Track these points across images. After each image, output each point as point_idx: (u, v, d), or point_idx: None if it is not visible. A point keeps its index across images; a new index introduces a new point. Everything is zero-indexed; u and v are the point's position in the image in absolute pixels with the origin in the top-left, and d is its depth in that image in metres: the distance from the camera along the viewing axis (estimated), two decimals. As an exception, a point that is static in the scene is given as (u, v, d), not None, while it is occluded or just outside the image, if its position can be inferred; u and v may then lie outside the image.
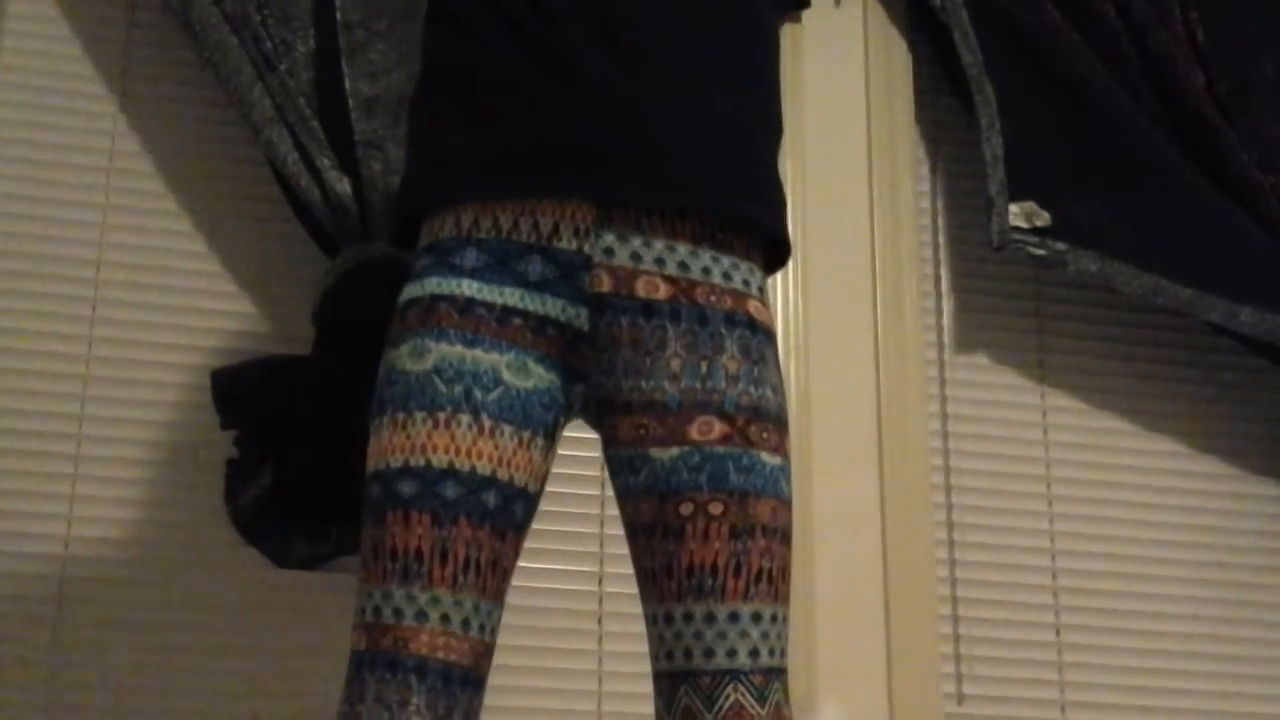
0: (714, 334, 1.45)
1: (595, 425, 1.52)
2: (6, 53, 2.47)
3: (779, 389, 1.48)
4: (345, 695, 1.38)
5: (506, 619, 2.38)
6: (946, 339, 2.65)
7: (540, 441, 1.44)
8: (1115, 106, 2.58)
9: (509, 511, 1.41)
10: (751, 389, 1.44)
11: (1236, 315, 2.49)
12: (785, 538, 1.43)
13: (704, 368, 1.44)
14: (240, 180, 2.49)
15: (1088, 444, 2.64)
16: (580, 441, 2.47)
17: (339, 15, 2.42)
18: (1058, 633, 2.54)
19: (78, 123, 2.46)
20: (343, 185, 2.34)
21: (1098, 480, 2.62)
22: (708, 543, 1.38)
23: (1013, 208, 2.47)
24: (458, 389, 1.39)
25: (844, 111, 2.69)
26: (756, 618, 1.38)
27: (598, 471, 2.46)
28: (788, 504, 1.44)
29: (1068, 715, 2.50)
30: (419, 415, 1.39)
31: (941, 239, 2.70)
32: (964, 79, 2.58)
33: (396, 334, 1.46)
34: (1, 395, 2.34)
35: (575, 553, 2.42)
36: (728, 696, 1.36)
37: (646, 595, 1.43)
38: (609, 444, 1.49)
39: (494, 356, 1.41)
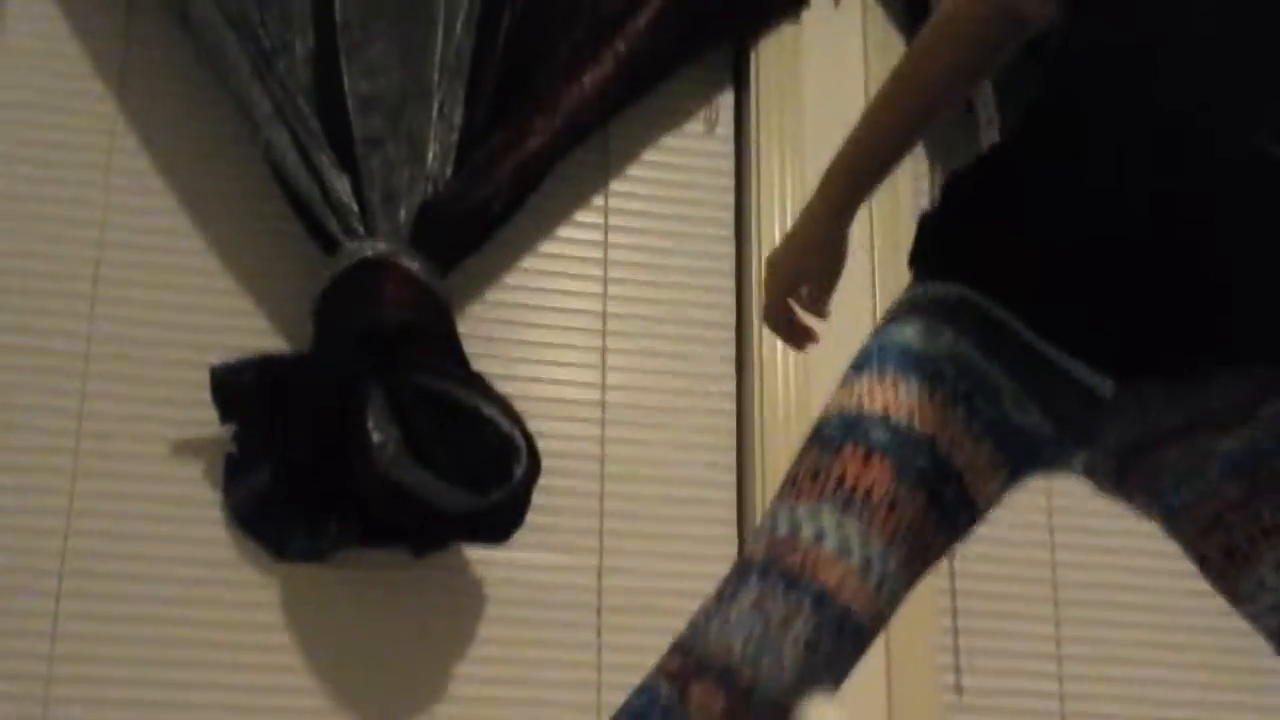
0: None
1: (1106, 472, 1.40)
2: (6, 51, 2.48)
3: None
4: (712, 600, 1.25)
5: (505, 614, 2.38)
6: (946, 337, 2.65)
7: (1005, 475, 1.33)
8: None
9: (956, 516, 1.30)
10: None
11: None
12: None
13: None
14: (239, 179, 2.49)
15: (1088, 442, 2.64)
16: (581, 438, 2.47)
17: (338, 15, 2.43)
18: (1056, 625, 2.54)
19: (77, 121, 2.47)
20: (342, 183, 2.35)
21: (1098, 477, 2.62)
22: None
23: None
24: (963, 384, 1.30)
25: (844, 111, 2.69)
26: None
27: (597, 467, 2.46)
28: None
29: (1066, 707, 2.49)
30: (917, 383, 1.30)
31: (941, 237, 2.70)
32: (962, 77, 2.59)
33: (908, 312, 1.36)
34: (0, 393, 2.34)
35: (575, 549, 2.42)
36: None
37: (1243, 564, 1.31)
38: (1138, 474, 1.36)
39: (1003, 380, 1.32)
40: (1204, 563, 1.35)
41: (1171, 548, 2.64)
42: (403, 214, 2.36)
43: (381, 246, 2.32)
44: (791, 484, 1.29)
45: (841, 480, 1.27)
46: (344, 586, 2.34)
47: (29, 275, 2.39)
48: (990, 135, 2.53)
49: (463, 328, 2.41)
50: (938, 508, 1.28)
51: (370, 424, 2.20)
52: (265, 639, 2.31)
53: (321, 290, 2.32)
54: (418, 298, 2.30)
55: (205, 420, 2.33)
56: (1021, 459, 1.33)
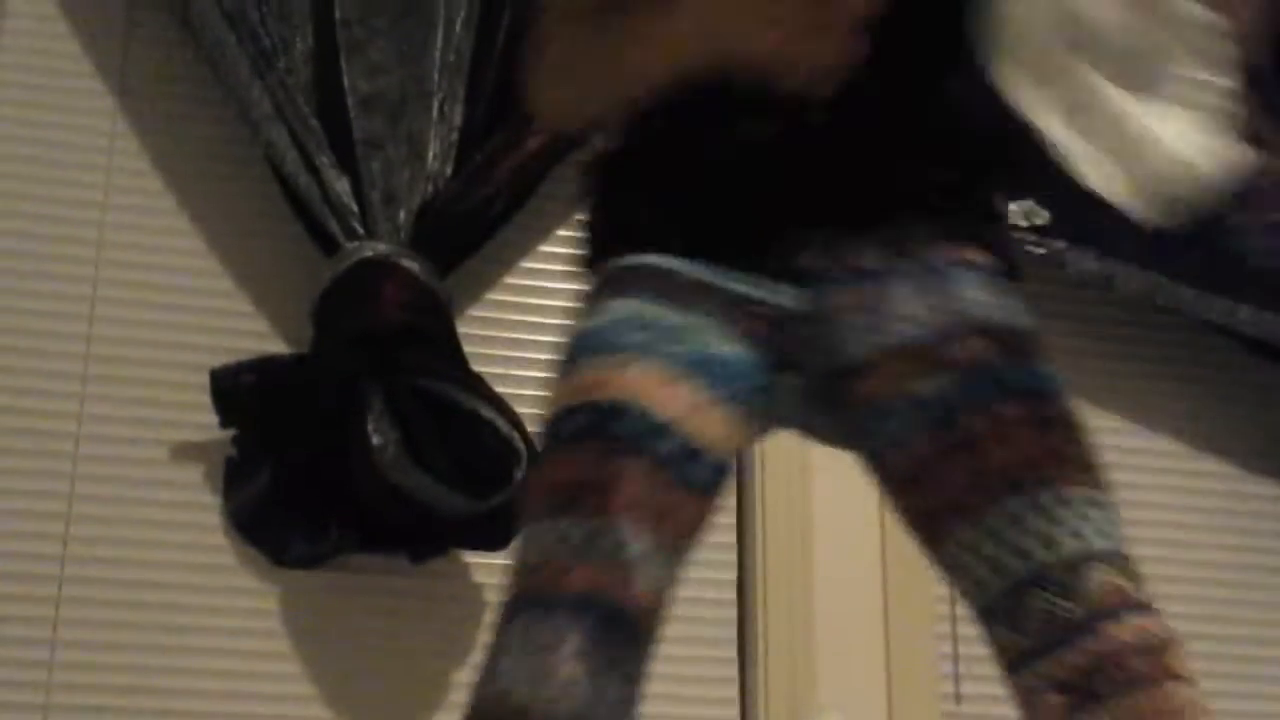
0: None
1: (818, 404, 1.37)
2: (6, 50, 2.47)
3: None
4: (485, 660, 1.20)
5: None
6: (946, 338, 2.64)
7: (727, 413, 1.29)
8: (1114, 104, 2.58)
9: (689, 470, 1.25)
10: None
11: (1236, 314, 2.48)
12: (1087, 431, 1.32)
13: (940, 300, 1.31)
14: (239, 179, 2.48)
15: (1087, 443, 2.63)
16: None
17: (337, 13, 2.42)
18: (1056, 632, 2.53)
19: (76, 120, 2.46)
20: (342, 184, 2.34)
21: (1096, 479, 2.62)
22: (1012, 443, 1.25)
23: (1012, 206, 2.46)
24: (651, 336, 1.29)
25: (844, 110, 2.69)
26: (1090, 502, 1.27)
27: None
28: (1071, 403, 1.33)
29: (1066, 714, 2.49)
30: (607, 355, 1.30)
31: (941, 238, 2.69)
32: (963, 77, 2.58)
33: (586, 304, 1.37)
34: (0, 393, 2.34)
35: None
36: (1094, 579, 1.23)
37: (938, 532, 1.27)
38: (842, 408, 1.34)
39: (688, 318, 1.30)
40: (904, 519, 1.32)
41: (1172, 552, 2.66)
42: (403, 215, 2.35)
43: (381, 247, 2.31)
44: (524, 512, 1.26)
45: (558, 484, 1.23)
46: (343, 592, 2.34)
47: (29, 275, 2.39)
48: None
49: (462, 329, 2.40)
50: (663, 467, 1.23)
51: (370, 427, 2.20)
52: (264, 645, 2.30)
53: (321, 291, 2.32)
54: (417, 298, 2.30)
55: (205, 424, 2.32)
56: (737, 391, 1.29)
